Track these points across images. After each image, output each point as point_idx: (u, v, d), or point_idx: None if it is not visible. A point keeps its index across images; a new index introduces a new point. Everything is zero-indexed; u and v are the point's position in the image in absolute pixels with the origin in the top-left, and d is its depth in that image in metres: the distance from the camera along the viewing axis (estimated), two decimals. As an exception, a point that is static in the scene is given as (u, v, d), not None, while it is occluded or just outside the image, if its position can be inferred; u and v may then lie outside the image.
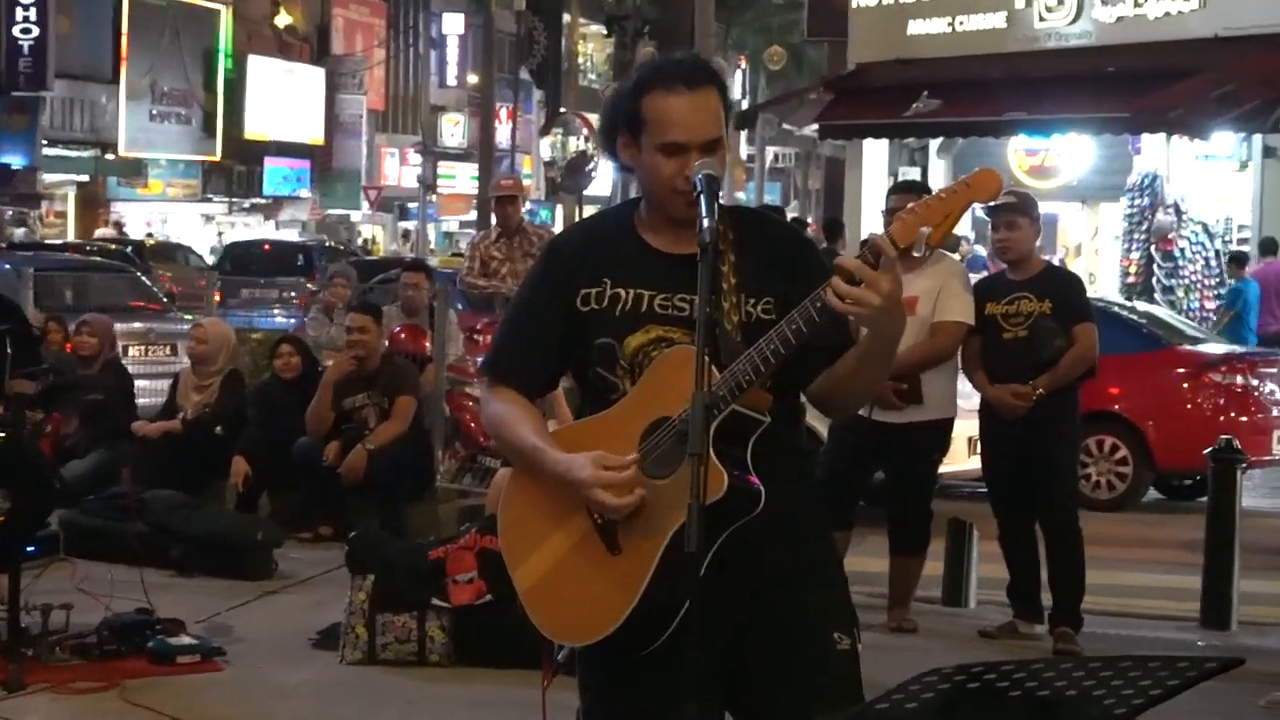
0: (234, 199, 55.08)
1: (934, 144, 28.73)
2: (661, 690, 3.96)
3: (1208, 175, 25.49)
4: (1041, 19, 25.15)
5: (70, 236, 41.77)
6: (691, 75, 4.03)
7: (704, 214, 3.86)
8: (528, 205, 39.47)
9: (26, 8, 40.43)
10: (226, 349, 13.48)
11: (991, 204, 10.30)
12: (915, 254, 3.86)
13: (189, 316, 19.71)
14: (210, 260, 42.14)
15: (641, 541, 3.91)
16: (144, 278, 23.01)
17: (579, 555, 4.01)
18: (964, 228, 27.96)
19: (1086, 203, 29.51)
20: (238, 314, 25.61)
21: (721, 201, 3.97)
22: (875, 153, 28.81)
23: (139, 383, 14.62)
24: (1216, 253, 24.82)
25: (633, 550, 3.93)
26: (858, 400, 4.26)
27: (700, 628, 3.67)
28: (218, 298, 27.92)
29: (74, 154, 44.83)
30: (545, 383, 4.29)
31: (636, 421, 3.97)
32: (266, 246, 41.99)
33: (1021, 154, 28.91)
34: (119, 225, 46.88)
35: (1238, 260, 23.95)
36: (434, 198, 64.50)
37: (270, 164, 54.68)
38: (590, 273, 4.12)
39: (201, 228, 54.14)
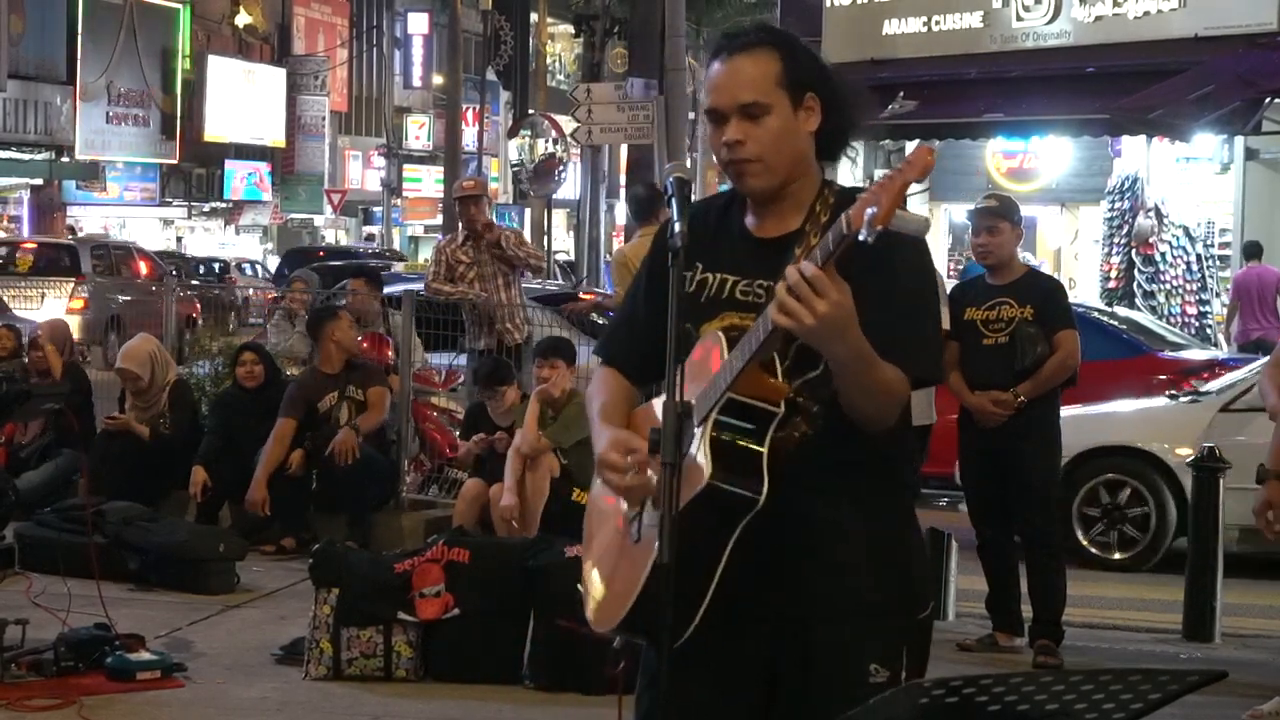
0: (194, 203, 54.95)
1: (910, 146, 28.53)
2: (696, 686, 3.93)
3: (1189, 178, 25.55)
4: (1019, 18, 25.01)
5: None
6: (738, 40, 4.03)
7: (675, 217, 3.84)
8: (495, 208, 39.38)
9: (-25, 7, 40.09)
10: (158, 364, 13.18)
11: (973, 207, 10.19)
12: (861, 237, 3.61)
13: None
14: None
15: (652, 528, 3.82)
16: None
17: (615, 542, 4.01)
18: (939, 234, 27.95)
19: (1066, 206, 29.49)
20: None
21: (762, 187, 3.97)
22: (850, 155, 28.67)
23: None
24: (1198, 256, 24.87)
25: (647, 537, 3.84)
26: (863, 416, 3.90)
27: (740, 631, 3.83)
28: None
29: (27, 157, 44.25)
30: (647, 367, 4.19)
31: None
32: (321, 253, 43.56)
33: (999, 156, 28.90)
34: (72, 230, 46.52)
35: None
36: (399, 201, 64.44)
37: (230, 166, 54.49)
38: (690, 257, 4.02)
39: (160, 232, 53.93)
